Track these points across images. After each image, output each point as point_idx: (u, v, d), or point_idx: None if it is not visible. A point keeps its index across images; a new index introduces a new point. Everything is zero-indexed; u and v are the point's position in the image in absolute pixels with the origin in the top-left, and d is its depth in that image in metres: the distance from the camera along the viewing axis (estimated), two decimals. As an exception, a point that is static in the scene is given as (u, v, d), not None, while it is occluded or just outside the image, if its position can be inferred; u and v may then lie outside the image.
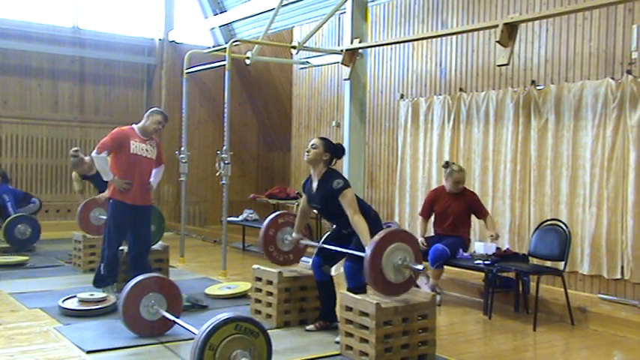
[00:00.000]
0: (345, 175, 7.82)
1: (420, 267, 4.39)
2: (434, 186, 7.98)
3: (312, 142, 5.01)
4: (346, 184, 4.81)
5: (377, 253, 4.27)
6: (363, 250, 4.44)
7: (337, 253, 4.97)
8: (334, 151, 5.01)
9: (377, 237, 4.31)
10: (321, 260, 5.10)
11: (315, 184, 5.00)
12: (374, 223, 4.89)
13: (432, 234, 6.65)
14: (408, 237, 4.48)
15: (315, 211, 5.27)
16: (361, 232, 4.59)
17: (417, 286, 6.00)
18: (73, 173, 8.13)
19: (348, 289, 4.80)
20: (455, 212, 6.42)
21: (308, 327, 5.15)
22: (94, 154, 6.02)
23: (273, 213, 5.61)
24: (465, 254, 6.72)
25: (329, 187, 4.82)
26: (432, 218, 6.66)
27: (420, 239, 6.25)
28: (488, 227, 6.37)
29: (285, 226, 5.42)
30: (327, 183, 4.86)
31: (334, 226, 5.19)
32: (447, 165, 6.54)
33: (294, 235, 5.34)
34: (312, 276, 5.35)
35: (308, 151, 4.96)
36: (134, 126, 6.14)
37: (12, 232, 8.52)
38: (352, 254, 4.78)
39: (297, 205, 9.88)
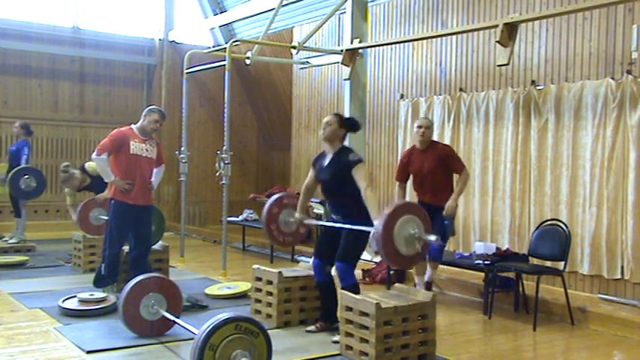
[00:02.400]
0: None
1: (433, 238, 4.38)
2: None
3: (326, 119, 5.06)
4: (362, 159, 4.89)
5: (389, 226, 4.23)
6: (359, 230, 4.54)
7: (332, 247, 4.96)
8: (349, 125, 5.09)
9: (388, 210, 4.29)
10: (321, 262, 5.10)
11: (328, 158, 5.02)
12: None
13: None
14: (418, 209, 4.47)
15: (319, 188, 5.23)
16: (372, 205, 4.62)
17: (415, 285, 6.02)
18: (66, 189, 7.96)
19: (342, 289, 4.81)
20: (430, 170, 6.02)
21: (308, 328, 5.14)
22: (94, 156, 6.02)
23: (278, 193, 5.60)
24: (466, 254, 6.73)
25: (344, 159, 4.86)
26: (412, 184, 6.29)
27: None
28: (458, 185, 6.05)
29: (288, 207, 5.38)
30: (341, 156, 4.90)
31: (332, 214, 5.15)
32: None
33: (297, 215, 5.29)
34: (312, 276, 5.35)
35: (324, 128, 5.01)
36: (133, 126, 6.14)
37: (17, 182, 8.46)
38: (341, 252, 4.80)
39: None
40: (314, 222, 5.45)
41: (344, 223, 4.84)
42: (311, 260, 5.34)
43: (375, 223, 4.32)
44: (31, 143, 9.06)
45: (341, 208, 4.95)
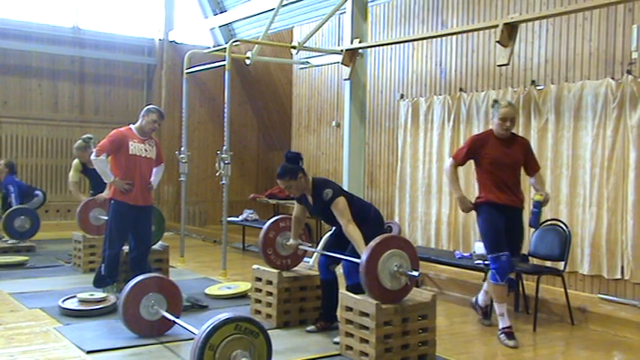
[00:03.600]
0: (345, 175, 7.85)
1: (416, 274, 4.33)
2: (434, 186, 7.99)
3: (280, 184, 4.96)
4: (335, 194, 4.78)
5: (372, 260, 4.24)
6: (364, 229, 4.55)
7: (339, 248, 4.97)
8: (297, 164, 4.92)
9: (372, 243, 4.29)
10: (327, 259, 5.11)
11: (310, 199, 5.00)
12: (374, 221, 4.90)
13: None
14: (404, 243, 4.44)
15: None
16: (355, 241, 4.57)
17: (475, 307, 5.69)
18: (75, 161, 7.88)
19: (347, 287, 4.82)
20: (515, 163, 5.16)
21: (308, 328, 5.15)
22: (93, 156, 6.03)
23: (274, 216, 5.59)
24: (466, 254, 6.73)
25: (322, 200, 4.82)
26: (484, 179, 5.22)
27: (459, 195, 5.25)
28: (540, 186, 5.26)
29: (285, 230, 5.41)
30: (319, 195, 4.85)
31: (334, 227, 5.19)
32: (494, 103, 5.21)
33: (291, 241, 5.30)
34: (312, 276, 5.36)
35: (289, 193, 5.01)
36: (131, 126, 6.14)
37: (11, 224, 8.51)
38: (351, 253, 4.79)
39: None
40: (308, 248, 5.43)
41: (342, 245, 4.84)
42: (311, 260, 5.34)
43: (361, 256, 4.30)
44: (16, 178, 9.15)
45: (340, 231, 4.93)
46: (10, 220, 8.52)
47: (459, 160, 5.27)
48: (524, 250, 6.31)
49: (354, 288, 4.73)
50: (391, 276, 4.29)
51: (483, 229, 5.13)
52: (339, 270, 5.10)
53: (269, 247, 5.37)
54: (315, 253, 6.15)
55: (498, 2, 7.25)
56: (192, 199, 11.79)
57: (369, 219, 4.86)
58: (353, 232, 4.62)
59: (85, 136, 7.92)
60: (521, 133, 6.90)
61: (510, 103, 5.13)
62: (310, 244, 5.50)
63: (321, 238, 5.31)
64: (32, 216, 8.73)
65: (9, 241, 8.77)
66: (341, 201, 4.74)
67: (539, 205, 5.10)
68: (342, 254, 4.82)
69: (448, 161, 5.36)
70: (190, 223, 11.86)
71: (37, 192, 9.50)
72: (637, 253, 5.86)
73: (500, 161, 5.11)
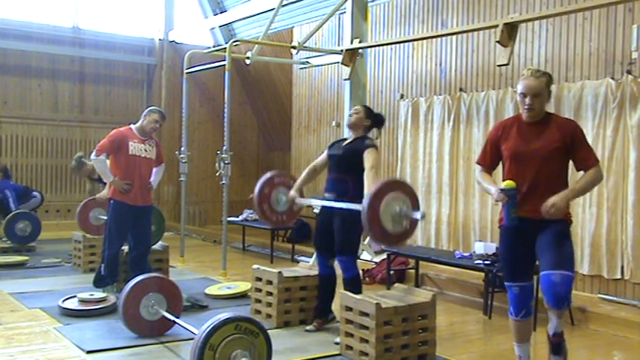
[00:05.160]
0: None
1: (419, 216, 4.25)
2: (434, 186, 7.99)
3: (354, 107, 5.22)
4: (377, 145, 4.95)
5: (375, 202, 4.13)
6: (348, 240, 4.65)
7: (330, 238, 4.95)
8: (375, 119, 5.18)
9: (374, 186, 4.26)
10: (323, 255, 5.13)
11: (347, 141, 5.12)
12: None
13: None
14: (405, 186, 4.41)
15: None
16: (369, 184, 4.58)
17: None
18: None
19: (345, 280, 4.86)
20: (534, 155, 3.71)
21: (307, 327, 5.16)
22: (92, 156, 6.03)
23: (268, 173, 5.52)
24: (466, 254, 6.73)
25: (360, 142, 4.94)
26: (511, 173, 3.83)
27: (494, 189, 3.77)
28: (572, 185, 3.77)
29: (280, 186, 5.34)
30: (360, 140, 4.98)
31: (328, 193, 5.09)
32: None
33: (292, 192, 5.20)
34: (312, 276, 5.36)
35: (350, 115, 5.14)
36: (132, 126, 6.14)
37: (12, 230, 8.52)
38: (340, 246, 4.83)
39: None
40: (305, 201, 5.39)
41: (336, 202, 4.83)
42: (312, 260, 5.34)
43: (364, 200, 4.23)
44: (11, 182, 9.17)
45: (338, 185, 4.94)
46: (11, 224, 8.52)
47: (486, 163, 3.97)
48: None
49: (352, 281, 4.76)
50: (393, 219, 4.17)
51: (500, 253, 4.28)
52: (338, 270, 5.10)
53: (264, 202, 5.31)
54: (314, 256, 6.15)
55: (498, 2, 7.25)
56: (192, 199, 11.79)
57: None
58: (373, 175, 4.69)
59: (76, 156, 7.97)
60: (521, 133, 6.88)
61: (537, 71, 3.74)
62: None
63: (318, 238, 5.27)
64: (33, 220, 8.73)
65: (9, 242, 8.78)
66: (377, 153, 4.89)
67: (511, 194, 3.67)
68: (341, 202, 4.78)
69: (477, 170, 4.06)
70: (190, 223, 11.86)
71: (35, 193, 9.52)
72: (637, 253, 5.86)
73: (520, 153, 3.75)
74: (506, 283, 3.90)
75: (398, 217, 4.18)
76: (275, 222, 5.37)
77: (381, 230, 4.16)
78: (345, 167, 4.93)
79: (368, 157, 4.80)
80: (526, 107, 3.71)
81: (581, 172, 3.76)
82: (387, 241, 4.35)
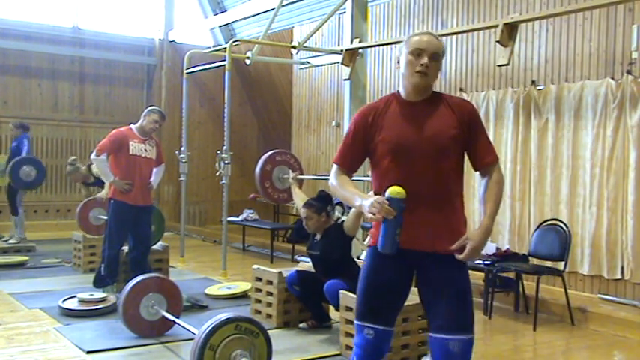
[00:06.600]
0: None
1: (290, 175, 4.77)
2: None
3: (302, 214, 4.97)
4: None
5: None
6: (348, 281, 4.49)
7: (318, 283, 4.89)
8: (326, 205, 4.94)
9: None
10: (296, 279, 5.08)
11: (318, 236, 5.00)
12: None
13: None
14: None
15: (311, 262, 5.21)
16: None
17: None
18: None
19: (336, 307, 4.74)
20: (437, 145, 2.66)
21: (301, 325, 5.19)
22: (93, 156, 6.03)
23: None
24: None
25: (333, 230, 4.84)
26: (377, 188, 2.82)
27: (369, 201, 2.55)
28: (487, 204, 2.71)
29: (281, 164, 5.38)
30: (331, 231, 4.89)
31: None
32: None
33: (291, 174, 5.34)
34: (312, 276, 5.36)
35: (306, 224, 4.95)
36: (132, 126, 6.14)
37: (17, 173, 8.45)
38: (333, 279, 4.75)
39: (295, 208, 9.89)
40: (306, 176, 5.46)
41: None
42: (311, 260, 5.31)
43: None
44: (30, 136, 9.05)
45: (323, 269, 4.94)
46: (16, 169, 8.43)
47: (346, 163, 2.83)
48: (524, 250, 6.33)
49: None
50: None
51: (360, 279, 2.79)
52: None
53: (266, 180, 5.35)
54: None
55: (498, 2, 7.25)
56: (192, 199, 11.78)
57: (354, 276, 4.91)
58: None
59: (70, 160, 8.02)
60: (521, 134, 6.88)
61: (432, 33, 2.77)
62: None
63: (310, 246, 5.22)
64: (37, 166, 8.63)
65: (9, 241, 8.77)
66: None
67: (400, 208, 2.50)
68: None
69: (332, 172, 2.86)
70: (190, 223, 11.86)
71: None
72: (637, 253, 5.86)
73: (406, 145, 2.64)
74: (356, 323, 2.72)
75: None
76: (277, 200, 5.41)
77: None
78: (328, 268, 4.87)
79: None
80: (420, 69, 2.66)
81: (478, 175, 2.80)
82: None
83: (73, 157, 8.07)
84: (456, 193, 2.73)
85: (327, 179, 2.98)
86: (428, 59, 2.65)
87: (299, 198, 5.40)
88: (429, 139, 2.63)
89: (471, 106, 2.78)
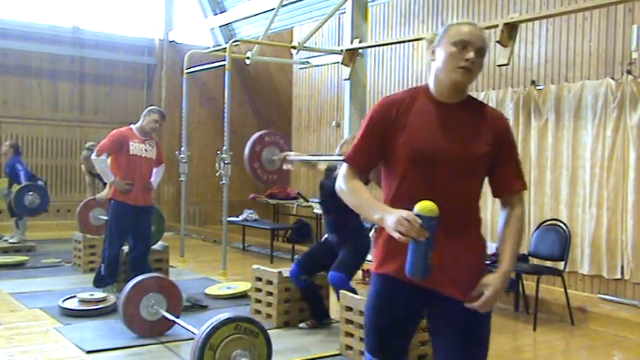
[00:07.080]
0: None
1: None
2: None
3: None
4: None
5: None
6: (349, 260, 4.59)
7: (319, 263, 4.97)
8: None
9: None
10: (299, 270, 5.10)
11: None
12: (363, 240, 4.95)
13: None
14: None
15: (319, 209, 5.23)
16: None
17: None
18: (82, 166, 8.25)
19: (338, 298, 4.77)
20: (467, 161, 2.26)
21: (301, 324, 5.19)
22: (93, 156, 6.04)
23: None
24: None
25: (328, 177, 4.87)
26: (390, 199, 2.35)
27: (396, 215, 2.08)
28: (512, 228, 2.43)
29: (271, 145, 5.36)
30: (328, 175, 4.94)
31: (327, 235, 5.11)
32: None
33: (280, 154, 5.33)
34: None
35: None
36: (132, 126, 6.15)
37: (22, 201, 8.45)
38: (338, 262, 4.79)
39: (297, 206, 9.89)
40: (297, 158, 5.38)
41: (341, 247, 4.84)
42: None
43: None
44: (22, 160, 9.05)
45: (337, 226, 4.92)
46: (20, 197, 8.40)
47: (360, 163, 2.37)
48: (524, 250, 6.32)
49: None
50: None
51: (370, 309, 2.41)
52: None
53: (256, 161, 5.33)
54: None
55: (498, 2, 7.25)
56: (192, 199, 11.77)
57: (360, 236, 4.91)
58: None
59: (88, 144, 7.98)
60: (521, 134, 6.88)
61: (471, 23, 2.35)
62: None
63: (321, 238, 5.27)
64: (41, 192, 8.62)
65: (9, 241, 8.77)
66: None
67: (432, 226, 2.07)
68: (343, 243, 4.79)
69: (342, 172, 2.40)
70: (190, 223, 11.85)
71: (40, 182, 9.46)
72: (637, 253, 5.86)
73: (431, 154, 2.24)
74: (368, 357, 2.40)
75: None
76: (266, 181, 5.40)
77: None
78: (331, 210, 4.88)
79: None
80: (464, 65, 2.20)
81: (499, 202, 2.42)
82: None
83: (92, 142, 8.01)
84: (477, 219, 2.37)
85: (320, 160, 2.96)
86: (474, 54, 2.21)
87: (320, 165, 5.30)
88: (460, 152, 2.22)
89: (507, 123, 2.38)
